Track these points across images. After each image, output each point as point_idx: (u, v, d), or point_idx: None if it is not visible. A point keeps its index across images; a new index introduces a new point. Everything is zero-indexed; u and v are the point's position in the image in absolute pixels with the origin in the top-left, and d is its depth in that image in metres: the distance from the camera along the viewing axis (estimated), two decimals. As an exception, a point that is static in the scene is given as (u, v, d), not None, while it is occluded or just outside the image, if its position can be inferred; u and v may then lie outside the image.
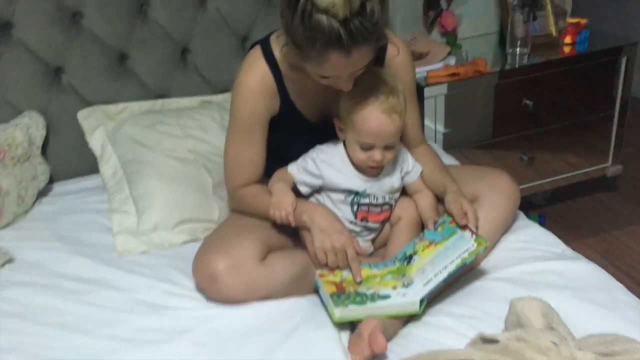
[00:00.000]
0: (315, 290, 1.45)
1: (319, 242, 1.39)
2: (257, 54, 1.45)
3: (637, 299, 1.33)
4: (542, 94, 2.35)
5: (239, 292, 1.36)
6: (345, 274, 1.41)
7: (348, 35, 1.19)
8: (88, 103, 1.94)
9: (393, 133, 1.40)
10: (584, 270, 1.41)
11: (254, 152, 1.49)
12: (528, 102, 2.34)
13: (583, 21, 2.44)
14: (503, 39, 2.50)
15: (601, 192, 2.78)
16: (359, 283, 1.38)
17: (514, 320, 1.10)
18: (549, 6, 2.46)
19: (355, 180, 1.48)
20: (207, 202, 1.73)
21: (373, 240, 1.56)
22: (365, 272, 1.42)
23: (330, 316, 1.31)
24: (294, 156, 1.51)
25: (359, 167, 1.47)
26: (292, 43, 1.26)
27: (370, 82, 1.38)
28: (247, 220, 1.49)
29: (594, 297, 1.31)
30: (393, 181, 1.51)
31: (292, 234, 1.53)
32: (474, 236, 1.36)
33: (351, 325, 1.34)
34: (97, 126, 1.92)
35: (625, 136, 2.57)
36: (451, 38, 2.50)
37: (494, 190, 1.53)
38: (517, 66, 2.31)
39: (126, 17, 1.90)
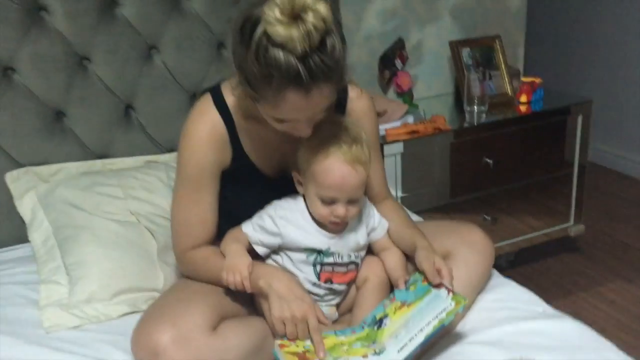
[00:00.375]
0: (276, 363, 1.28)
1: (278, 311, 1.23)
2: (207, 101, 1.33)
3: (629, 357, 1.21)
4: (501, 152, 2.30)
5: (186, 368, 1.17)
6: (309, 344, 1.24)
7: (307, 73, 1.08)
8: (18, 165, 1.77)
9: (357, 185, 1.28)
10: (570, 329, 1.29)
11: (204, 210, 1.34)
12: (489, 160, 2.28)
13: (537, 80, 2.44)
14: (458, 99, 2.47)
15: (565, 253, 2.72)
16: (323, 358, 1.21)
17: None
18: (502, 66, 2.46)
19: (318, 238, 1.34)
20: (151, 269, 1.55)
21: (338, 305, 1.41)
22: (330, 340, 1.26)
23: (294, 392, 1.14)
24: (248, 214, 1.37)
25: (321, 224, 1.34)
26: (246, 82, 1.14)
27: (332, 131, 1.27)
28: (196, 286, 1.32)
29: (585, 357, 1.18)
30: (358, 238, 1.38)
31: (248, 301, 1.36)
32: (451, 294, 1.23)
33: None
34: (28, 189, 1.74)
35: (585, 195, 2.54)
36: (407, 98, 2.45)
37: (466, 246, 1.41)
38: (475, 123, 2.26)
39: (64, 71, 1.77)
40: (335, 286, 1.36)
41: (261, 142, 1.36)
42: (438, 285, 1.26)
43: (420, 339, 1.18)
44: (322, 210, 1.29)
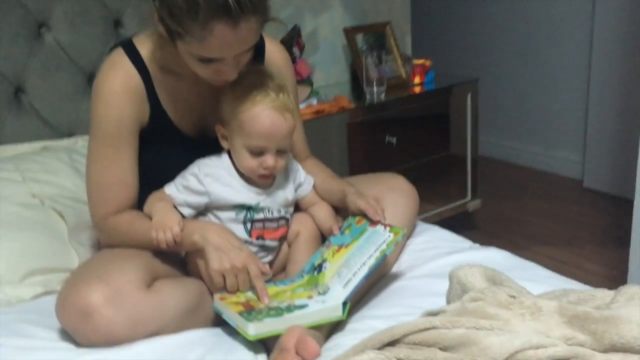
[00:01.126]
0: (215, 323, 1.21)
1: (216, 264, 1.16)
2: (118, 54, 1.26)
3: (557, 273, 1.27)
4: (401, 131, 2.38)
5: (121, 327, 1.08)
6: (250, 295, 1.19)
7: (235, 2, 1.05)
8: None
9: (286, 134, 1.26)
10: (497, 256, 1.35)
11: (124, 170, 1.26)
12: (391, 139, 2.35)
13: (428, 63, 2.56)
14: (356, 85, 2.53)
15: (464, 230, 2.84)
16: (268, 303, 1.17)
17: (458, 291, 0.97)
18: (395, 50, 2.56)
19: (247, 194, 1.30)
20: (63, 249, 1.43)
21: (271, 264, 1.37)
22: (272, 290, 1.22)
23: (244, 336, 1.08)
24: (167, 178, 1.30)
25: (249, 179, 1.30)
26: (170, 17, 1.09)
27: (257, 79, 1.24)
28: (123, 250, 1.23)
29: (518, 275, 1.23)
30: (287, 194, 1.36)
31: (178, 263, 1.29)
32: (388, 227, 1.24)
33: (266, 348, 1.12)
34: None
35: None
36: (307, 85, 2.47)
37: (392, 191, 1.43)
38: (375, 102, 2.32)
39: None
40: (268, 242, 1.33)
41: (179, 97, 1.30)
42: (374, 223, 1.27)
43: (364, 271, 1.18)
44: (251, 162, 1.25)
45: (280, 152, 1.27)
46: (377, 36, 2.56)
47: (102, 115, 1.23)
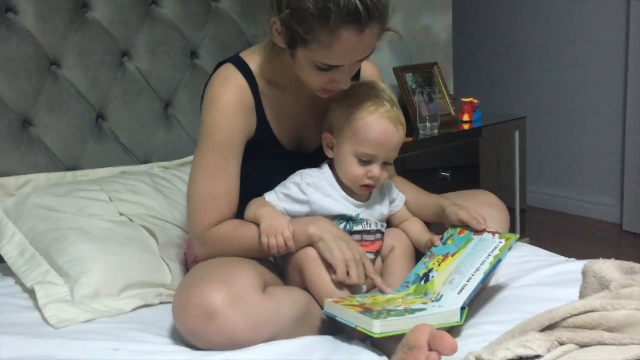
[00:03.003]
0: (322, 332, 1.20)
1: (340, 253, 1.17)
2: (229, 68, 1.29)
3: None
4: (454, 165, 2.41)
5: (243, 330, 1.07)
6: (361, 299, 1.18)
7: (364, 9, 1.10)
8: (-21, 177, 1.59)
9: (396, 146, 1.28)
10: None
11: (230, 181, 1.27)
12: (445, 173, 2.38)
13: (475, 101, 2.61)
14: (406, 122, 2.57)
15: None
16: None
17: (594, 285, 0.97)
18: (444, 89, 2.62)
19: (347, 205, 1.31)
20: (156, 264, 1.42)
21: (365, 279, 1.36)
22: (381, 298, 1.21)
23: (368, 334, 1.06)
24: (264, 190, 1.31)
25: (349, 192, 1.31)
26: (298, 24, 1.12)
27: (372, 91, 1.28)
28: (231, 258, 1.23)
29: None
30: (382, 209, 1.37)
31: (279, 273, 1.29)
32: (497, 235, 1.24)
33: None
34: (-8, 205, 1.55)
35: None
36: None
37: (485, 206, 1.43)
38: (429, 137, 2.37)
39: (33, 76, 1.65)
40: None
41: (282, 111, 1.33)
42: (479, 233, 1.27)
43: (479, 277, 1.17)
44: (358, 171, 1.27)
45: (384, 165, 1.29)
46: (424, 76, 2.63)
47: (214, 124, 1.25)
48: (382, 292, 1.22)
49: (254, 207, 1.28)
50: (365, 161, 1.26)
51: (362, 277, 1.19)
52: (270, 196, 1.30)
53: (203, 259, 1.29)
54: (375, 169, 1.27)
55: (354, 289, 1.31)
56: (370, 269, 1.20)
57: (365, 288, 1.35)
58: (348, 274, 1.18)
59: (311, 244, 1.20)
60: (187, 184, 1.30)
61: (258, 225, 1.23)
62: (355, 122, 1.25)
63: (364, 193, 1.32)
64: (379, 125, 1.24)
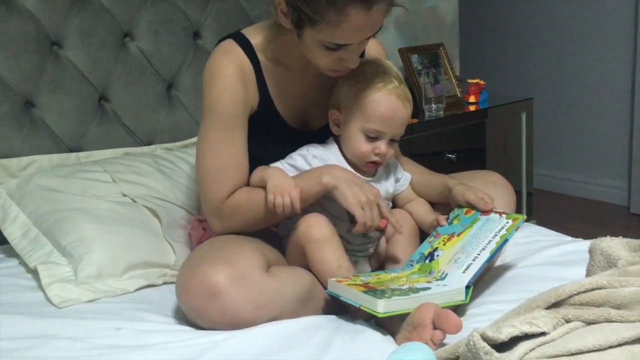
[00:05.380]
0: (325, 312, 1.19)
1: (354, 197, 1.18)
2: (229, 42, 1.28)
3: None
4: (460, 148, 2.39)
5: (247, 309, 1.07)
6: (365, 278, 1.17)
7: None
8: (-20, 158, 1.58)
9: (404, 122, 1.28)
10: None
11: (238, 151, 1.26)
12: (450, 155, 2.36)
13: (481, 82, 2.58)
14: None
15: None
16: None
17: (601, 263, 0.95)
18: (449, 70, 2.59)
19: None
20: (160, 244, 1.42)
21: (371, 256, 1.36)
22: (386, 276, 1.21)
23: (372, 313, 1.05)
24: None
25: (355, 168, 1.30)
26: (305, 3, 1.10)
27: (378, 68, 1.27)
28: (237, 236, 1.22)
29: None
30: (388, 186, 1.36)
31: (281, 254, 1.28)
32: (504, 215, 1.23)
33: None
34: (-6, 185, 1.55)
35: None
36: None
37: (491, 186, 1.42)
38: (435, 119, 2.34)
39: (34, 56, 1.64)
40: (370, 232, 1.31)
41: (286, 88, 1.32)
42: (486, 213, 1.26)
43: (485, 256, 1.16)
44: (365, 147, 1.26)
45: (391, 142, 1.28)
46: (430, 57, 2.60)
47: (217, 97, 1.24)
48: (398, 232, 1.25)
49: (259, 170, 1.26)
50: (372, 137, 1.26)
51: (376, 218, 1.20)
52: (275, 166, 1.29)
53: (221, 233, 1.27)
54: (382, 145, 1.26)
55: (359, 267, 1.31)
56: (385, 208, 1.21)
57: (369, 268, 1.35)
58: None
59: (326, 192, 1.20)
60: (195, 161, 1.30)
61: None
62: (363, 98, 1.24)
63: (370, 170, 1.31)
64: (386, 102, 1.23)
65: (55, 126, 1.68)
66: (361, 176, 1.29)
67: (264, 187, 1.21)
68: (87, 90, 1.72)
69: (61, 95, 1.68)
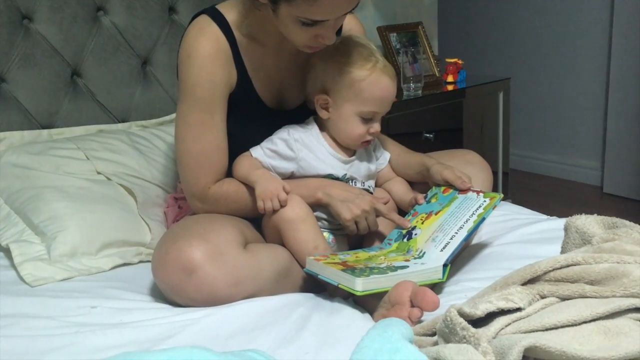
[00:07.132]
0: (303, 290, 1.19)
1: (348, 214, 1.21)
2: (204, 19, 1.25)
3: None
4: (438, 128, 2.40)
5: (224, 285, 1.06)
6: (343, 257, 1.17)
7: None
8: (-51, 134, 1.54)
9: (393, 99, 1.29)
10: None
11: (218, 134, 1.24)
12: (428, 135, 2.36)
13: (460, 62, 2.58)
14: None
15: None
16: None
17: (576, 240, 0.96)
18: (428, 50, 2.58)
19: (335, 163, 1.29)
20: (135, 223, 1.40)
21: (353, 237, 1.35)
22: (364, 254, 1.21)
23: (350, 292, 1.05)
24: (245, 147, 1.28)
25: (335, 148, 1.30)
26: None
27: (361, 48, 1.25)
28: (211, 214, 1.21)
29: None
30: (369, 165, 1.35)
31: (261, 233, 1.27)
32: (482, 194, 1.23)
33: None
34: (-36, 162, 1.51)
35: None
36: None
37: (469, 165, 1.42)
38: (413, 98, 2.34)
39: (4, 30, 1.59)
40: None
41: (262, 66, 1.30)
42: (464, 191, 1.26)
43: (462, 234, 1.16)
44: (361, 129, 1.26)
45: (380, 119, 1.30)
46: (409, 36, 2.59)
47: (195, 80, 1.21)
48: (402, 227, 1.26)
49: (244, 167, 1.25)
50: (367, 119, 1.26)
51: (373, 226, 1.24)
52: (256, 151, 1.27)
53: (200, 213, 1.26)
54: (377, 125, 1.28)
55: (338, 245, 1.31)
56: (383, 210, 1.24)
57: (347, 246, 1.35)
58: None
59: (318, 205, 1.24)
60: (175, 144, 1.27)
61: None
62: (357, 82, 1.23)
63: (364, 148, 1.32)
64: (382, 83, 1.24)
65: (27, 102, 1.64)
66: (342, 157, 1.29)
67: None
68: (59, 66, 1.68)
69: (32, 71, 1.64)
